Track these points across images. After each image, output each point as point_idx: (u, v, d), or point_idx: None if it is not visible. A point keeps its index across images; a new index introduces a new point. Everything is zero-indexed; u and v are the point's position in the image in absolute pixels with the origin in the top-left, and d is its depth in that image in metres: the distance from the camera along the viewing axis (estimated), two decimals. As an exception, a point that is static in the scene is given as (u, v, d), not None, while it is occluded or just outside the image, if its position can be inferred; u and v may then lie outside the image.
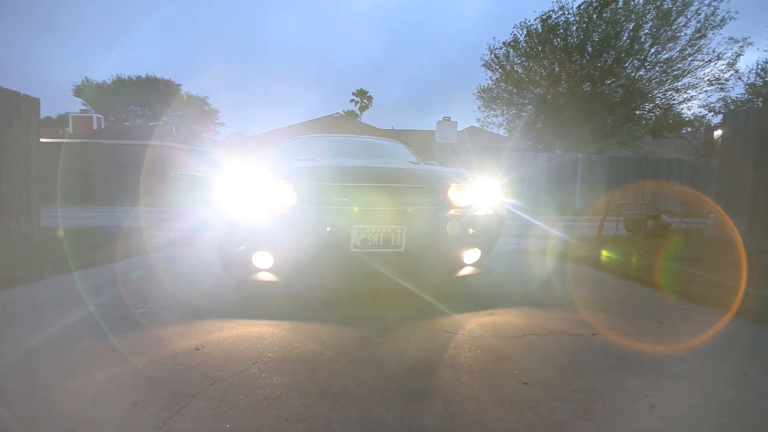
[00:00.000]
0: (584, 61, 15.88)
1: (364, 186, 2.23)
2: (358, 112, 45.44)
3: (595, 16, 14.82)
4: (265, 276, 2.21)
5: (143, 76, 32.18)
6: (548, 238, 5.90)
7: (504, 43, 16.50)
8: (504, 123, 18.14)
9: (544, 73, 16.36)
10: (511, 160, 12.19)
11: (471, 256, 2.47)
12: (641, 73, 16.04)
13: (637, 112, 16.49)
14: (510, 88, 17.07)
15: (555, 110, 15.76)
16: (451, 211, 2.37)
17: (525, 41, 16.14)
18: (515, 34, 16.11)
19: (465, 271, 2.45)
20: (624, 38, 15.27)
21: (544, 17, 15.29)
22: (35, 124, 4.76)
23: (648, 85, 15.91)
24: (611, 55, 15.51)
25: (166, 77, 32.82)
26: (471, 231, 2.38)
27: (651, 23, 14.97)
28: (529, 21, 15.81)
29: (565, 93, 16.23)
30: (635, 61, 15.76)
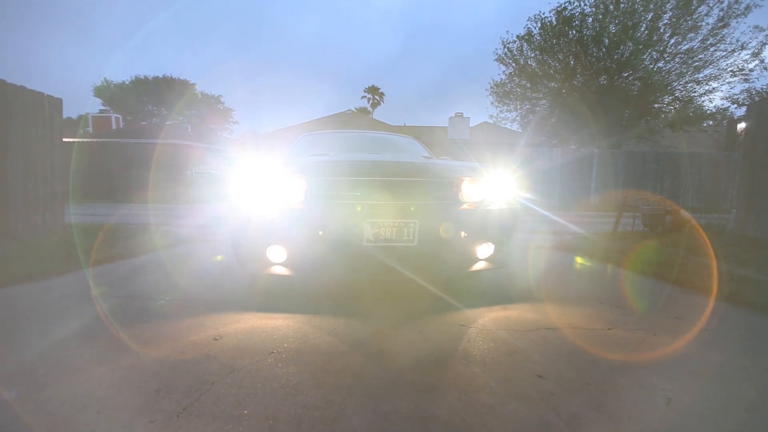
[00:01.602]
0: (600, 54, 15.52)
1: (377, 180, 2.23)
2: (370, 108, 45.42)
3: (612, 6, 14.46)
4: (279, 270, 2.24)
5: (160, 76, 32.78)
6: (563, 233, 5.82)
7: (518, 36, 16.25)
8: (517, 118, 17.91)
9: (559, 67, 16.06)
10: (524, 155, 12.04)
11: (484, 250, 2.45)
12: (660, 65, 15.59)
13: (656, 105, 16.05)
14: (524, 82, 16.82)
15: (570, 104, 15.45)
16: (465, 206, 2.35)
17: (539, 34, 15.86)
18: (529, 27, 15.85)
19: (478, 265, 2.43)
20: (642, 29, 14.87)
21: (559, 9, 14.98)
22: (58, 123, 4.92)
23: (667, 77, 15.46)
24: (629, 46, 15.12)
25: (182, 77, 33.39)
26: (484, 225, 2.36)
27: (671, 13, 14.52)
28: (543, 13, 15.53)
29: (581, 87, 15.90)
30: (654, 53, 15.33)
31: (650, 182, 11.42)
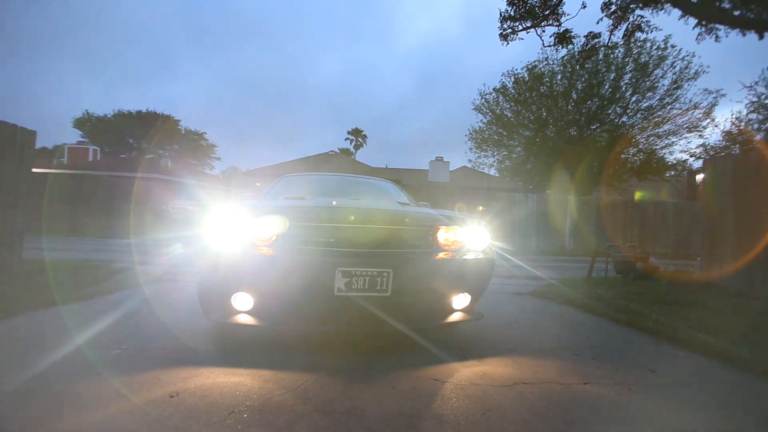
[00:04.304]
0: (570, 107, 16.69)
1: (350, 227, 2.18)
2: (353, 150, 46.54)
3: (578, 66, 15.77)
4: (245, 319, 2.10)
5: (143, 110, 32.89)
6: (538, 279, 5.88)
7: (494, 89, 17.37)
8: (495, 164, 18.67)
9: (532, 118, 17.11)
10: (501, 200, 12.41)
11: (460, 301, 2.38)
12: (624, 119, 16.86)
13: (623, 156, 17.12)
14: (500, 130, 17.75)
15: (544, 153, 16.31)
16: (440, 255, 2.32)
17: (513, 88, 17.01)
18: (504, 82, 16.98)
19: (454, 317, 2.35)
20: (606, 87, 16.19)
21: (530, 66, 16.21)
22: (28, 156, 4.77)
23: (631, 131, 16.66)
24: (595, 102, 16.36)
25: (166, 112, 33.56)
26: (460, 275, 2.32)
27: (630, 74, 15.94)
28: (516, 69, 16.74)
29: (553, 136, 16.90)
30: (618, 108, 16.62)
31: (620, 229, 11.88)
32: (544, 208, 11.70)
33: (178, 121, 34.19)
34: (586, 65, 15.16)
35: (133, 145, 32.68)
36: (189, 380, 1.80)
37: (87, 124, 31.76)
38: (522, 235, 11.59)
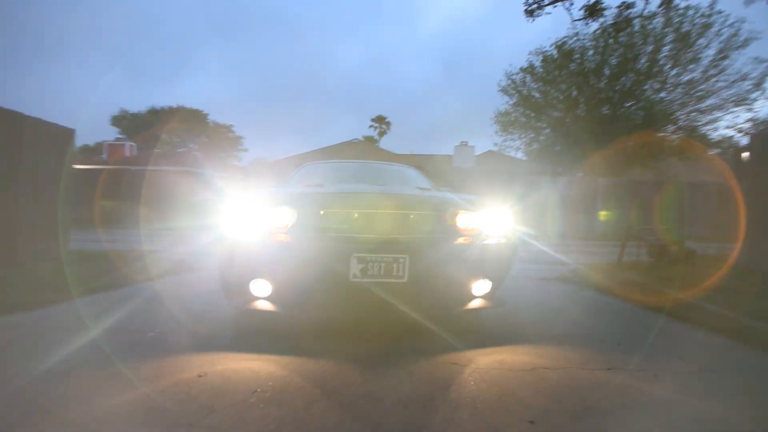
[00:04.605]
0: (602, 85, 15.82)
1: (364, 212, 2.18)
2: (377, 137, 46.38)
3: (611, 40, 14.85)
4: (263, 305, 2.15)
5: (174, 106, 34.03)
6: (566, 264, 5.72)
7: (521, 68, 16.68)
8: (522, 147, 18.07)
9: (561, 97, 16.36)
10: (529, 184, 12.06)
11: (481, 287, 2.33)
12: (662, 95, 15.81)
13: (660, 135, 16.13)
14: (527, 111, 17.10)
15: (574, 133, 15.61)
16: (459, 240, 2.27)
17: (541, 66, 16.27)
18: (531, 61, 16.28)
19: (474, 303, 2.31)
20: (642, 61, 15.20)
21: (559, 43, 15.43)
22: (69, 152, 5.07)
23: (670, 107, 15.63)
24: (630, 77, 15.42)
25: (195, 107, 34.61)
26: (480, 261, 2.28)
27: (670, 46, 14.86)
28: (544, 47, 15.98)
29: (584, 116, 16.11)
30: (655, 84, 15.59)
31: (655, 211, 11.29)
32: (574, 190, 11.28)
33: (207, 114, 35.17)
34: (620, 38, 14.26)
35: (165, 140, 33.94)
36: (216, 362, 1.90)
37: (123, 121, 33.25)
38: (551, 219, 11.27)
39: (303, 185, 2.91)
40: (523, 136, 17.60)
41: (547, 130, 16.89)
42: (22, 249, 4.40)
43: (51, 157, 4.76)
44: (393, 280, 2.06)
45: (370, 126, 47.13)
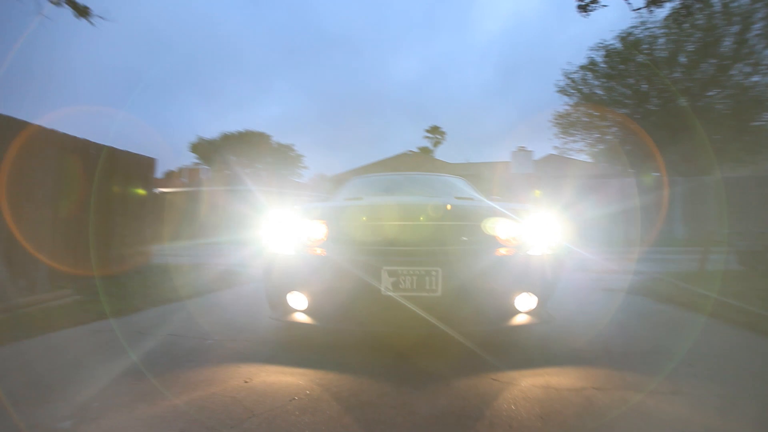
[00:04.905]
0: (678, 74, 14.29)
1: (395, 224, 2.16)
2: (432, 147, 46.33)
3: (687, 24, 13.41)
4: (301, 317, 2.19)
5: (242, 130, 37.18)
6: (636, 274, 5.19)
7: (580, 66, 15.72)
8: (585, 148, 16.89)
9: (629, 93, 15.07)
10: (593, 187, 11.21)
11: (525, 302, 2.17)
12: (756, 78, 13.83)
13: (754, 123, 14.09)
14: (589, 111, 15.99)
15: (645, 130, 14.24)
16: (500, 251, 2.17)
17: (604, 62, 15.18)
18: (591, 57, 15.27)
19: (520, 319, 2.16)
20: (727, 43, 13.48)
21: (623, 35, 14.30)
22: (151, 178, 5.78)
23: (765, 92, 13.61)
24: (712, 64, 13.75)
25: (259, 129, 37.50)
26: (524, 273, 2.14)
27: (763, 22, 13.01)
28: (606, 41, 14.91)
29: (658, 110, 14.65)
30: (745, 67, 13.71)
31: (751, 213, 9.80)
32: (648, 192, 10.23)
33: (270, 136, 37.85)
34: (696, 21, 12.82)
35: (234, 162, 37.07)
36: (261, 371, 2.02)
37: (200, 147, 36.97)
38: (623, 224, 10.32)
39: (343, 199, 3.00)
40: (585, 136, 16.48)
41: (614, 129, 15.61)
42: (114, 259, 5.06)
43: (137, 182, 5.46)
44: (426, 294, 2.00)
45: (425, 137, 47.22)
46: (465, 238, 2.19)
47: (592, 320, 3.02)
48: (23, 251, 3.88)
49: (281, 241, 2.31)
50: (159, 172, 30.85)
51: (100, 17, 4.04)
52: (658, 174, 14.95)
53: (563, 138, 16.98)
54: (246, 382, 1.87)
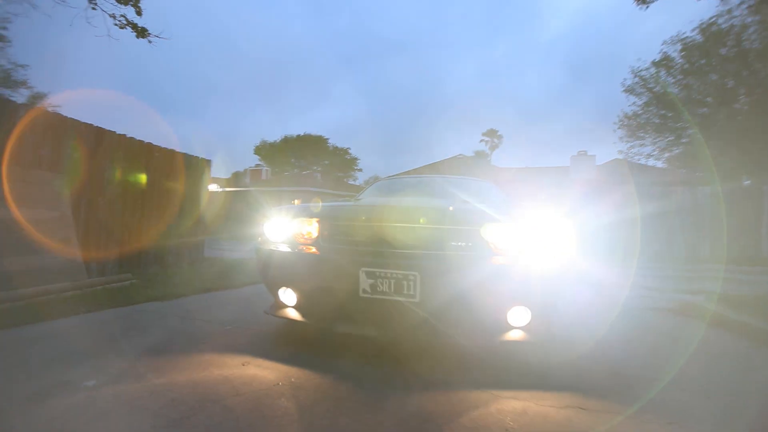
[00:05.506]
0: (774, 69, 12.46)
1: (374, 226, 2.15)
2: (488, 151, 45.12)
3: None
4: (291, 313, 2.23)
5: (302, 133, 39.23)
6: (696, 293, 4.65)
7: (652, 62, 14.33)
8: (655, 152, 15.34)
9: (711, 90, 13.44)
10: (658, 194, 10.18)
11: (517, 317, 2.01)
12: None
13: None
14: (662, 111, 14.52)
15: (730, 132, 12.60)
16: (491, 258, 2.01)
17: (681, 56, 13.70)
18: (665, 52, 13.87)
19: (513, 335, 2.00)
20: (841, 30, 11.50)
21: (704, 26, 12.81)
22: (206, 178, 6.38)
23: None
24: (819, 55, 11.81)
25: (318, 133, 39.38)
26: (516, 284, 1.97)
27: None
28: (683, 33, 13.47)
29: (747, 110, 12.89)
30: None
31: None
32: (731, 201, 9.03)
33: (327, 139, 39.50)
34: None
35: (294, 164, 39.16)
36: (261, 356, 2.18)
37: (263, 149, 39.64)
38: (695, 237, 9.25)
39: (354, 199, 3.08)
40: (657, 140, 14.96)
41: (691, 131, 14.00)
42: (170, 251, 5.66)
43: (192, 182, 6.07)
44: (404, 299, 1.94)
45: (481, 140, 46.10)
46: (449, 243, 2.09)
47: (615, 341, 2.79)
48: (97, 239, 4.52)
49: (276, 237, 2.42)
50: (227, 173, 33.60)
51: (157, 36, 4.59)
52: (748, 181, 13.17)
53: (630, 141, 15.60)
54: (243, 365, 2.04)
